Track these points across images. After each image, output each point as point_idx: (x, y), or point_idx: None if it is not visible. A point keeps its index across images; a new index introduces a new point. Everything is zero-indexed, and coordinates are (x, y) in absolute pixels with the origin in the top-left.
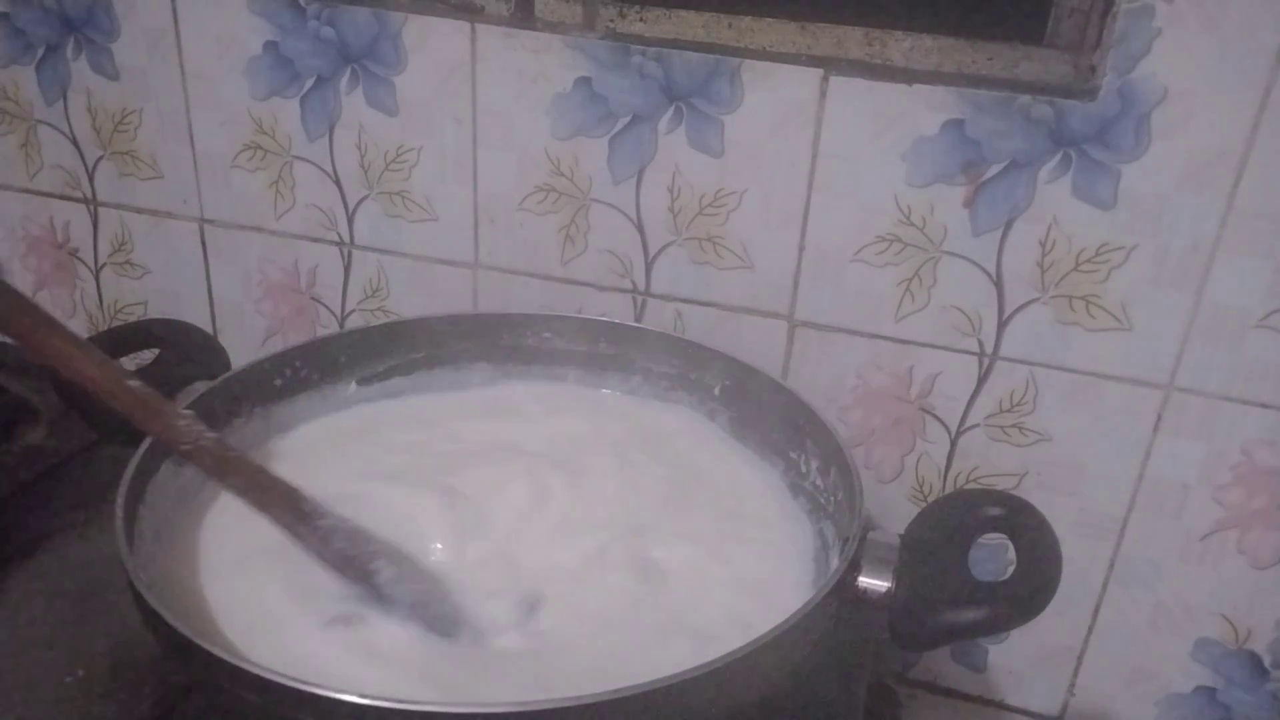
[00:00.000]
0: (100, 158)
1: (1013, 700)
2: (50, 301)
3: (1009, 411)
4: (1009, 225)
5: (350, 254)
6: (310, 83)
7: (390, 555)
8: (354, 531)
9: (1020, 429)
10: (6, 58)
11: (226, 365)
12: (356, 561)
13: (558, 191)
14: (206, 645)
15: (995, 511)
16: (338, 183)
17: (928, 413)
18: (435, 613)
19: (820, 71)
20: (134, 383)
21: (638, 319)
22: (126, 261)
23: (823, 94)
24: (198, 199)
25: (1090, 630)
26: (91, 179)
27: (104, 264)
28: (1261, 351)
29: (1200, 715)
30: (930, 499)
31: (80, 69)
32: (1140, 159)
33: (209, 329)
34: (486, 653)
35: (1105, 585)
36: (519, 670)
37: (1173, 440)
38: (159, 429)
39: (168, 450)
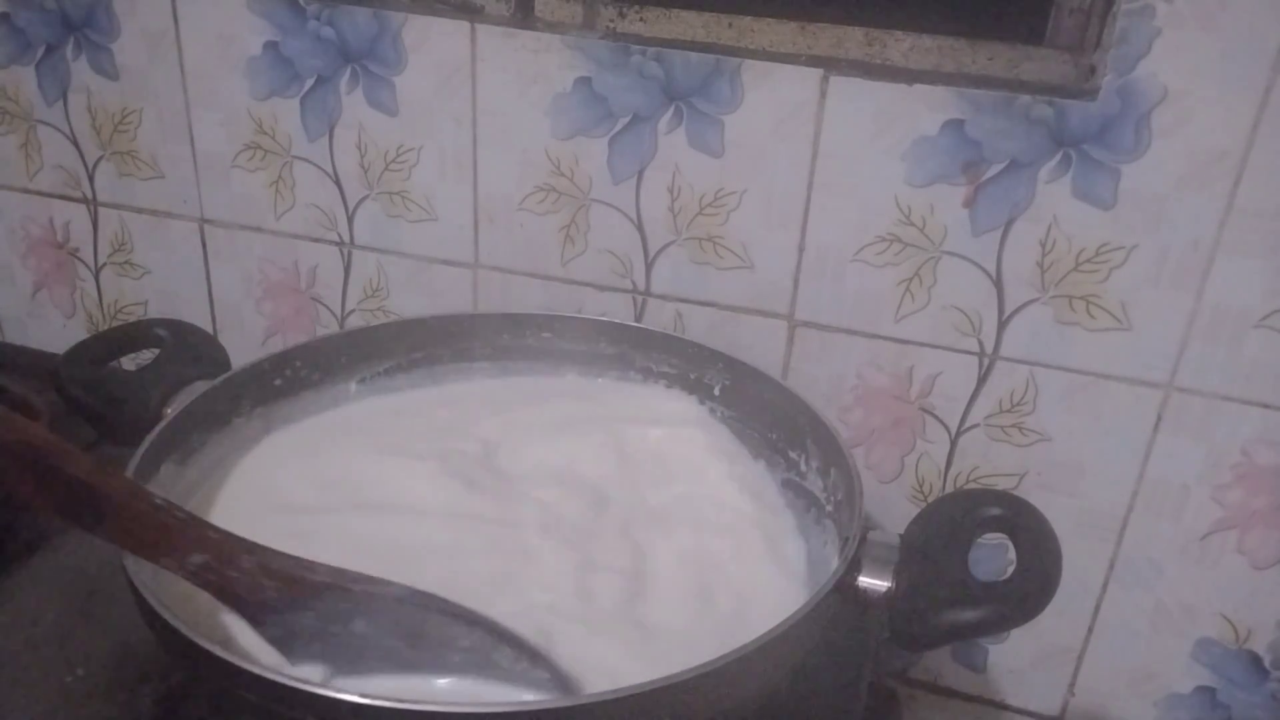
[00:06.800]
0: (100, 158)
1: (1013, 700)
2: (50, 301)
3: (1009, 411)
4: (1009, 225)
5: (350, 254)
6: (310, 83)
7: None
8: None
9: (1020, 429)
10: (6, 58)
11: (226, 365)
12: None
13: (558, 191)
14: (206, 645)
15: (995, 511)
16: (338, 183)
17: (928, 413)
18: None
19: (820, 71)
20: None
21: (638, 319)
22: (126, 261)
23: (823, 94)
24: (198, 199)
25: (1090, 630)
26: (91, 179)
27: (104, 264)
28: (1261, 351)
29: (1200, 715)
30: (930, 499)
31: (80, 69)
32: (1140, 159)
33: (209, 329)
34: None
35: (1105, 585)
36: None
37: (1173, 440)
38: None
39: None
